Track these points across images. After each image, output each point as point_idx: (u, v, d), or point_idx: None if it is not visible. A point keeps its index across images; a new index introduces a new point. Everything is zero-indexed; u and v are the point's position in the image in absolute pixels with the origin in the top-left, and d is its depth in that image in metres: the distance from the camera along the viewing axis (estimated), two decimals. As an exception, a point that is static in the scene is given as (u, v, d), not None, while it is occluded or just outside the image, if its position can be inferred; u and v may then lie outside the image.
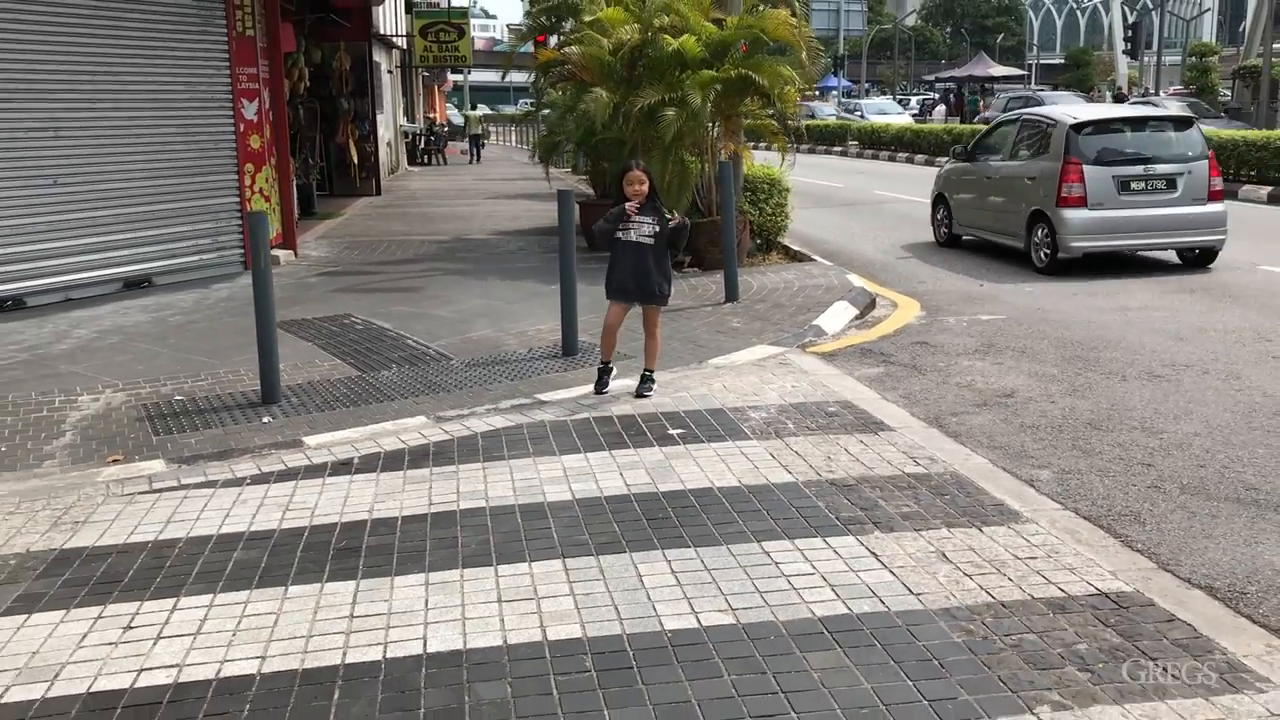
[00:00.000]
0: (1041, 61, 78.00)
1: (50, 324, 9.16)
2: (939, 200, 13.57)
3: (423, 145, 33.98)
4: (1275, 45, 31.04)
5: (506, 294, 10.28)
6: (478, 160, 34.84)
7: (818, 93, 58.34)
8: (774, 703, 3.23)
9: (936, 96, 53.99)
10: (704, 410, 6.42)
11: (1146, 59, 52.54)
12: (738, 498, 4.99)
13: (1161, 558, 4.31)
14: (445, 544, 4.54)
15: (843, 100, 48.54)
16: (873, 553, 4.32)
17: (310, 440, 6.11)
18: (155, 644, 3.77)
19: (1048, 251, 11.04)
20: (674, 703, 3.25)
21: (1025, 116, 12.39)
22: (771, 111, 11.75)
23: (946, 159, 16.17)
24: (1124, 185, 10.84)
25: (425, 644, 3.67)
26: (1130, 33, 41.79)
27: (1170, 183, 10.96)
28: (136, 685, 3.50)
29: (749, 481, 5.20)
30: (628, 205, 6.67)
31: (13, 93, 9.48)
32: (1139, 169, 10.94)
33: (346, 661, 3.58)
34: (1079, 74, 59.43)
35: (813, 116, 38.28)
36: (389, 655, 3.60)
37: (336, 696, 3.36)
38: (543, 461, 5.58)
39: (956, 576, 4.09)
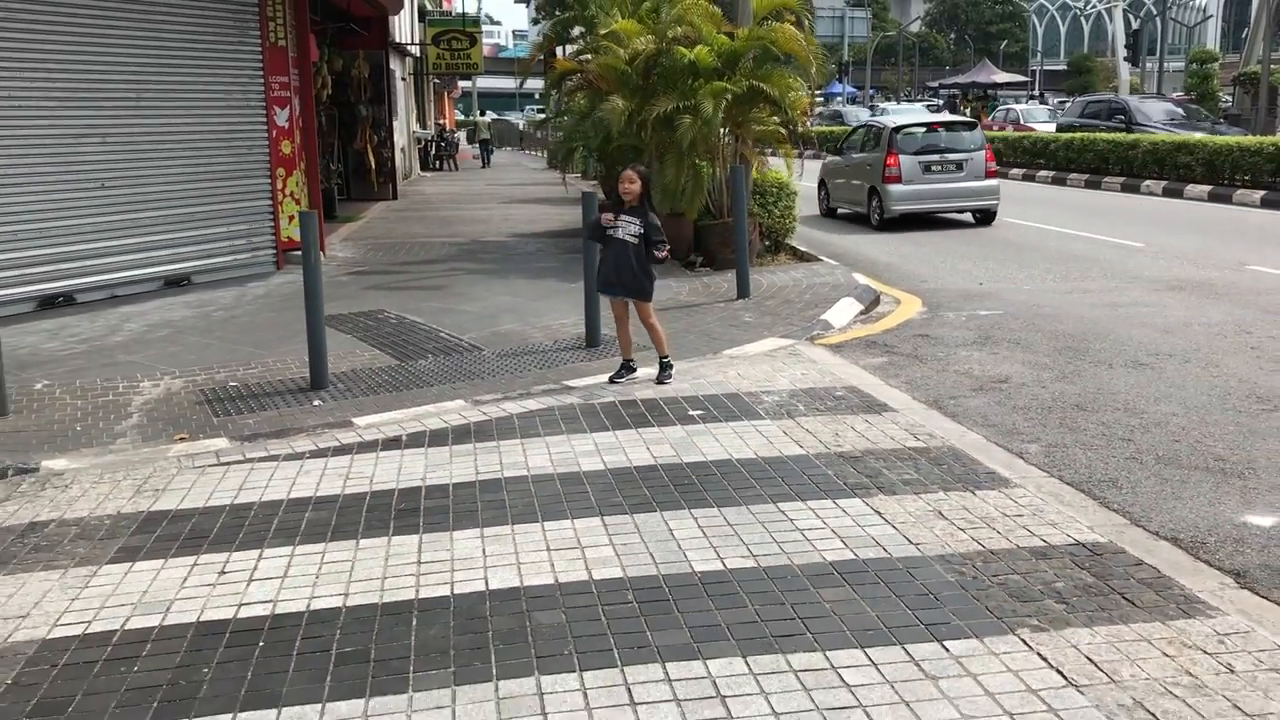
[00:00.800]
0: (1045, 68, 78.52)
1: (102, 319, 9.73)
2: (821, 184, 18.28)
3: (434, 151, 34.64)
4: (1275, 53, 31.60)
5: (529, 291, 10.83)
6: (487, 164, 35.79)
7: (867, 99, 58.93)
8: (792, 625, 3.77)
9: (940, 103, 54.53)
10: (721, 394, 6.95)
11: (1149, 65, 53.12)
12: (755, 467, 5.52)
13: (1134, 515, 4.84)
14: (495, 505, 5.08)
15: (875, 106, 48.29)
16: (876, 511, 4.86)
17: (359, 421, 6.65)
18: (249, 585, 4.32)
19: (879, 215, 15.82)
20: (706, 626, 3.79)
21: (869, 122, 18.21)
22: (780, 119, 12.29)
23: (827, 155, 20.22)
24: (926, 168, 15.68)
25: (487, 583, 4.21)
26: (1131, 39, 42.25)
27: (959, 165, 15.74)
28: (239, 616, 4.04)
29: (764, 454, 5.73)
30: (603, 216, 7.23)
31: (65, 102, 10.06)
32: (936, 156, 15.78)
33: (420, 596, 4.12)
34: (1081, 80, 59.93)
35: (842, 121, 38.23)
36: (456, 592, 4.15)
37: (415, 623, 3.90)
38: (575, 438, 6.12)
39: (951, 530, 4.62)
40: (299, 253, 12.49)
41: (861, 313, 9.79)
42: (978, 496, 5.03)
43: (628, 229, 7.12)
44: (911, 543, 4.49)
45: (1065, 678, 3.39)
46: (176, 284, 11.18)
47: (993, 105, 43.76)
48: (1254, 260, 12.11)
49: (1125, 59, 44.08)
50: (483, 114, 51.50)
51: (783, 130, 12.28)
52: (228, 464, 5.95)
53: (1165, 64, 56.47)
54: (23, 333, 9.01)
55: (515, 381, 7.44)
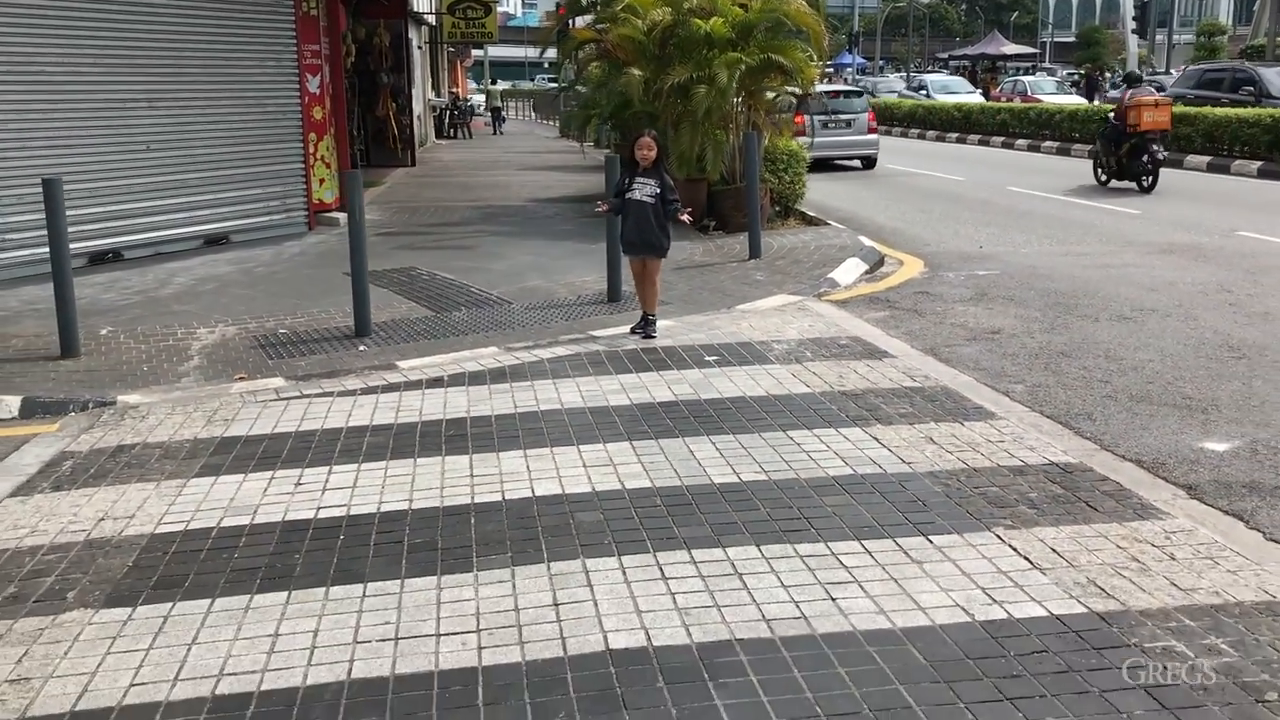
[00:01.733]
0: (1055, 39, 78.53)
1: (151, 273, 10.33)
2: None
3: (449, 119, 35.14)
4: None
5: (551, 251, 11.41)
6: (499, 132, 36.57)
7: (877, 69, 58.48)
8: (798, 523, 4.38)
9: (948, 73, 54.67)
10: (735, 343, 7.54)
11: (1159, 37, 53.24)
12: (765, 403, 6.12)
13: (1104, 442, 5.44)
14: (534, 432, 5.68)
15: (910, 77, 47.40)
16: (874, 438, 5.45)
17: (402, 364, 7.25)
18: (323, 493, 4.93)
19: None
20: (724, 523, 4.40)
21: None
22: (792, 89, 12.81)
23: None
24: (824, 125, 19.76)
25: (533, 491, 4.82)
26: (1139, 11, 42.43)
27: (848, 124, 20.57)
28: (319, 517, 4.66)
29: (775, 392, 6.33)
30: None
31: (114, 68, 10.62)
32: (831, 116, 20.17)
33: (475, 502, 4.73)
34: (1090, 52, 59.99)
35: (873, 94, 37.08)
36: (507, 498, 4.76)
37: (473, 521, 4.51)
38: (603, 379, 6.72)
39: (940, 452, 5.22)
40: (330, 214, 13.20)
41: (866, 272, 10.36)
42: (965, 426, 5.62)
43: (645, 190, 7.56)
44: (904, 462, 5.09)
45: (1031, 563, 3.99)
46: (216, 243, 11.77)
47: (1007, 75, 43.90)
48: (1244, 227, 12.63)
49: (1134, 31, 44.20)
50: (494, 83, 51.99)
51: (793, 98, 12.79)
52: (287, 399, 6.56)
53: (1175, 36, 56.60)
54: (79, 285, 9.49)
55: (544, 331, 8.03)
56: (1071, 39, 77.06)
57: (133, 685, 3.34)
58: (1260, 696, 3.11)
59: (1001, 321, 8.18)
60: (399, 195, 17.26)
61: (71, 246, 10.34)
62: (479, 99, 46.38)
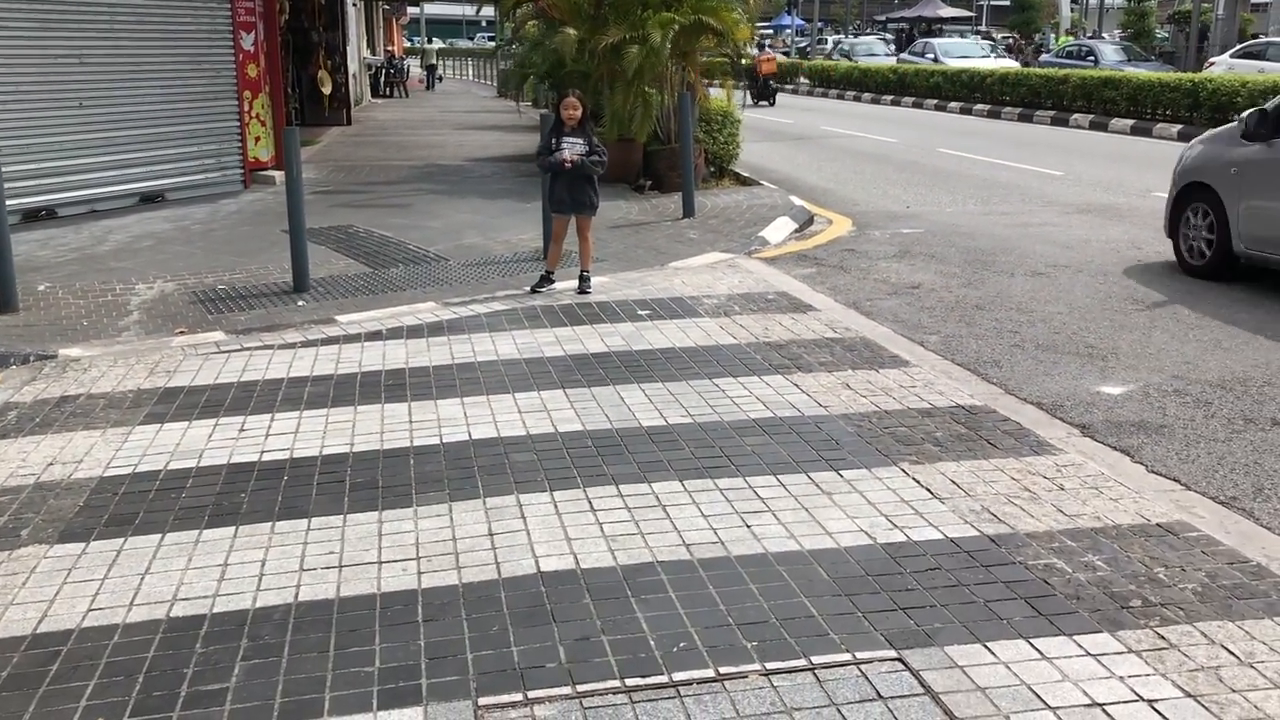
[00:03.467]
0: (991, 3, 79.29)
1: (86, 230, 10.33)
2: None
3: (384, 78, 34.85)
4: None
5: (488, 210, 11.56)
6: (432, 88, 37.54)
7: (867, 31, 58.09)
8: (719, 461, 4.67)
9: (890, 38, 55.08)
10: (666, 298, 7.80)
11: (1091, 2, 54.10)
12: (695, 354, 6.40)
13: (1009, 387, 5.80)
14: (471, 381, 5.91)
15: (916, 39, 44.87)
16: (795, 385, 5.76)
17: (341, 318, 7.41)
18: (267, 438, 5.13)
19: None
20: (650, 461, 4.68)
21: None
22: (726, 50, 13.03)
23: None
24: None
25: (470, 434, 5.06)
26: (1072, -23, 43.07)
27: None
28: (262, 460, 4.86)
29: (703, 344, 6.61)
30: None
31: (45, 24, 10.53)
32: None
33: (414, 445, 4.96)
34: (1024, 16, 60.78)
35: (849, 56, 36.21)
36: (445, 441, 5.00)
37: (412, 462, 4.75)
38: (538, 332, 6.95)
39: (855, 397, 5.54)
40: (266, 173, 13.20)
41: (796, 231, 10.66)
42: (880, 374, 5.95)
43: (574, 149, 7.69)
44: (821, 406, 5.40)
45: (931, 493, 4.33)
46: (151, 200, 11.75)
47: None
48: (1159, 188, 13.09)
49: (1066, -5, 45.04)
50: (429, 41, 52.01)
51: (726, 60, 13.01)
52: (228, 352, 6.70)
53: (1107, 2, 57.52)
54: (14, 242, 9.55)
55: (481, 287, 8.22)
56: (1007, 2, 77.91)
57: (90, 610, 3.55)
58: (1125, 604, 3.46)
59: (922, 277, 8.53)
60: (335, 154, 17.23)
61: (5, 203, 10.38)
62: (413, 61, 46.42)
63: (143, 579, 3.76)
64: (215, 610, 3.53)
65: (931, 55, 33.57)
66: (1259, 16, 39.35)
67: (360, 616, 3.45)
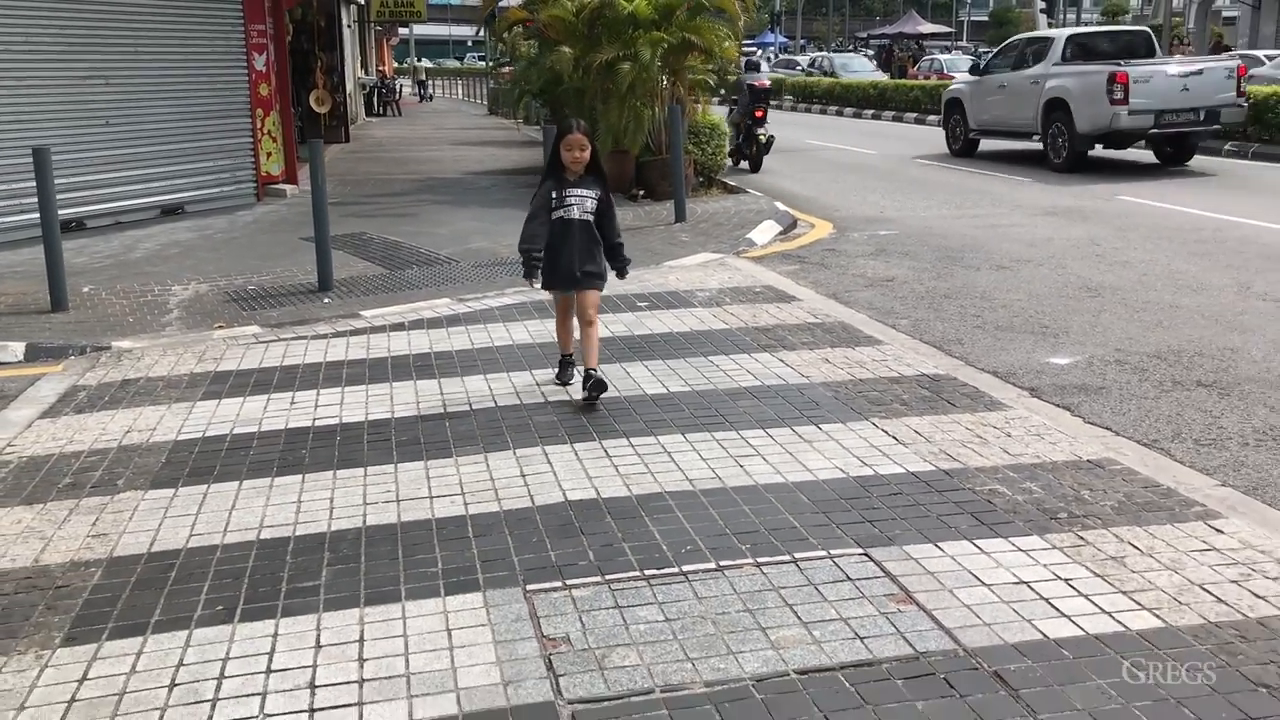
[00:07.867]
0: (971, 19, 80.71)
1: (116, 240, 11.03)
2: None
3: (377, 97, 35.64)
4: (1175, 3, 33.65)
5: (492, 217, 12.29)
6: (427, 98, 42.42)
7: (849, 48, 59.13)
8: (715, 418, 5.40)
9: (871, 54, 56.14)
10: (663, 292, 8.53)
11: (1069, 16, 55.25)
12: (690, 337, 7.12)
13: (969, 359, 6.54)
14: (491, 362, 6.62)
15: (929, 57, 45.93)
16: (780, 360, 6.48)
17: (366, 313, 8.12)
18: (316, 409, 5.83)
19: None
20: (654, 420, 5.40)
21: None
22: (712, 67, 13.82)
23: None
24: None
25: (495, 403, 5.77)
26: (1047, -8, 44.12)
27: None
28: (315, 425, 5.56)
29: (698, 329, 7.34)
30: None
31: (73, 47, 11.26)
32: None
33: (448, 411, 5.66)
34: (1003, 31, 62.06)
35: (831, 73, 37.31)
36: (474, 408, 5.70)
37: (448, 425, 5.45)
38: (548, 321, 7.61)
39: (833, 369, 6.27)
40: (277, 186, 13.92)
41: (780, 233, 11.41)
42: (856, 350, 6.69)
43: (583, 204, 5.75)
44: (804, 376, 6.13)
45: (897, 440, 5.05)
46: (171, 212, 12.45)
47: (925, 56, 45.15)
48: (1125, 192, 13.92)
49: (1042, 10, 46.03)
50: (419, 60, 53.42)
51: (710, 79, 13.81)
52: (265, 342, 7.40)
53: (1085, 15, 58.76)
54: (51, 251, 10.27)
55: (491, 285, 8.94)
56: (985, 18, 79.25)
57: (192, 535, 4.24)
58: (1053, 515, 4.19)
59: (896, 272, 9.28)
60: (338, 169, 17.93)
61: (37, 215, 11.07)
62: (404, 81, 47.79)
63: (230, 514, 4.45)
64: (297, 534, 4.22)
65: (942, 71, 35.10)
66: (1229, 30, 40.41)
67: (421, 535, 4.15)
